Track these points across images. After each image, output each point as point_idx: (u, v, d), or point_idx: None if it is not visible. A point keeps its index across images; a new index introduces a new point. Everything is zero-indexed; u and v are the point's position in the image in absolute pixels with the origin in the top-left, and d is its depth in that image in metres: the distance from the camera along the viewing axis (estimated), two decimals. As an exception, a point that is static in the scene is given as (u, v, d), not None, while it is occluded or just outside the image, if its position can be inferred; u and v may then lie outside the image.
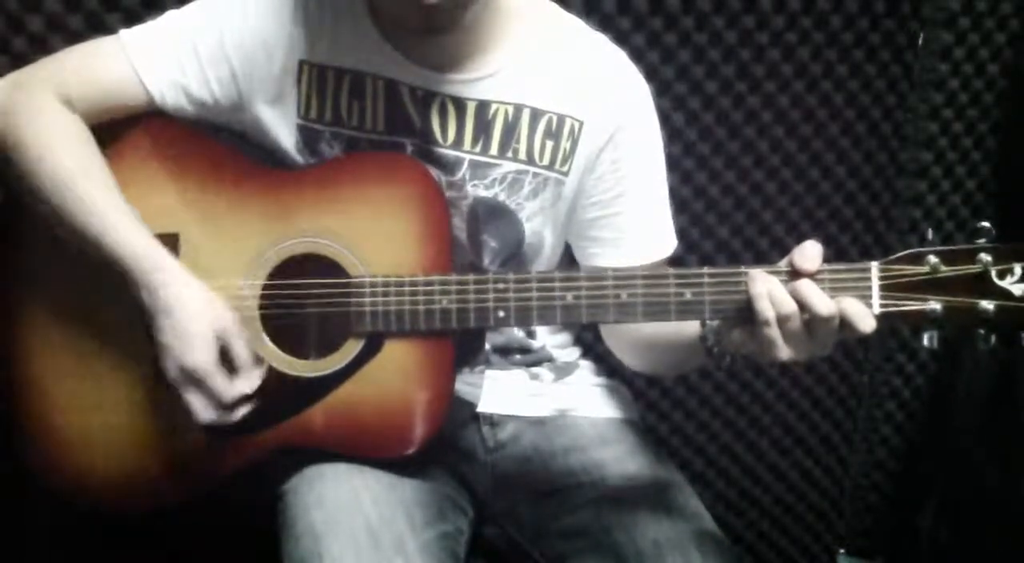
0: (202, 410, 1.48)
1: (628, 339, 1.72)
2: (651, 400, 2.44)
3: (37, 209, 1.54)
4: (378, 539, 1.43)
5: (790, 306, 1.33)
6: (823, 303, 1.32)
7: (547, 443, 1.73)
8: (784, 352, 1.36)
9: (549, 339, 1.81)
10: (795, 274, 1.35)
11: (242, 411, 1.51)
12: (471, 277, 1.47)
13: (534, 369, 1.79)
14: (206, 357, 1.46)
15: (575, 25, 1.68)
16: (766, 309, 1.34)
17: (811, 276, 1.34)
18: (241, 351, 1.50)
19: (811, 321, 1.32)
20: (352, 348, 1.52)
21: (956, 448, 2.50)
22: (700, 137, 2.27)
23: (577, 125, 1.63)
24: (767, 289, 1.34)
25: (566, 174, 1.65)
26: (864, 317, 1.33)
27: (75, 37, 1.84)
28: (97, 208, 1.50)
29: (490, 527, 1.72)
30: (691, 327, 1.51)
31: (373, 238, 1.52)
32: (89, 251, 1.51)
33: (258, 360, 1.52)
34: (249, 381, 1.50)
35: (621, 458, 1.70)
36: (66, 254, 1.58)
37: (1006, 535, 2.32)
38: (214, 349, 1.47)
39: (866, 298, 1.34)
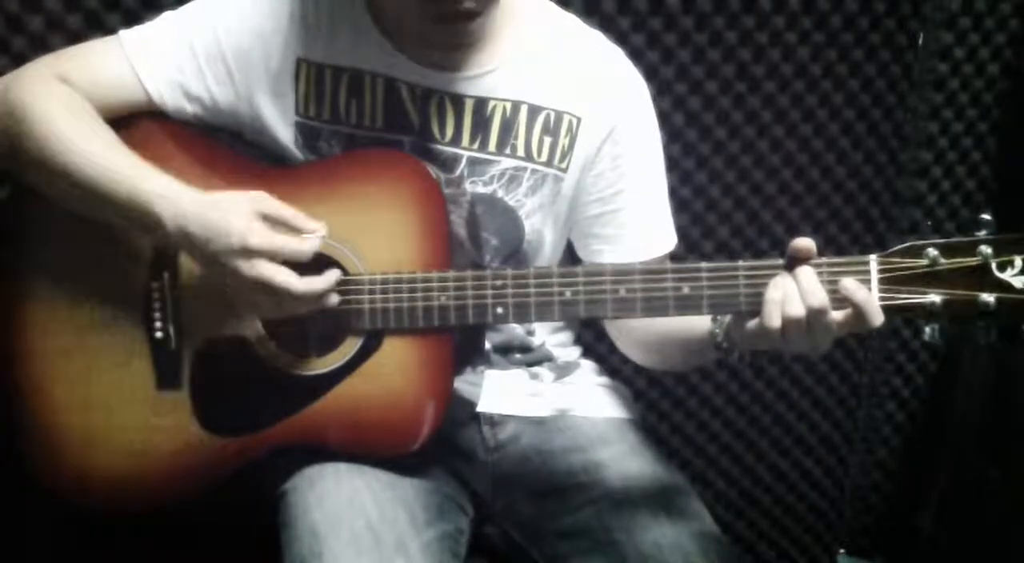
0: (292, 279, 1.43)
1: (638, 338, 1.72)
2: (651, 400, 2.44)
3: (45, 178, 1.54)
4: (379, 538, 1.43)
5: (799, 311, 1.33)
6: (815, 295, 1.32)
7: (547, 443, 1.73)
8: (787, 348, 1.37)
9: (549, 338, 1.81)
10: (793, 263, 1.36)
11: (329, 276, 1.48)
12: (469, 274, 1.47)
13: (534, 368, 1.79)
14: (260, 230, 1.43)
15: (572, 23, 1.69)
16: (773, 315, 1.34)
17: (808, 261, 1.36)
18: (287, 212, 1.47)
19: (808, 314, 1.33)
20: (351, 345, 1.52)
21: (956, 448, 2.50)
22: (700, 137, 2.27)
23: (575, 121, 1.64)
24: (782, 296, 1.34)
25: (565, 170, 1.65)
26: (875, 311, 1.33)
27: (75, 37, 1.85)
28: (103, 158, 1.49)
29: (490, 527, 1.72)
30: (701, 324, 1.52)
31: (371, 235, 1.52)
32: (102, 205, 1.50)
33: (253, 365, 1.53)
34: (316, 229, 1.47)
35: (621, 458, 1.70)
36: (67, 253, 1.58)
37: (1006, 535, 2.32)
38: (262, 224, 1.44)
39: None
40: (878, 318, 1.33)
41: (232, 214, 1.44)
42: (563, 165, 1.65)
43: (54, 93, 1.54)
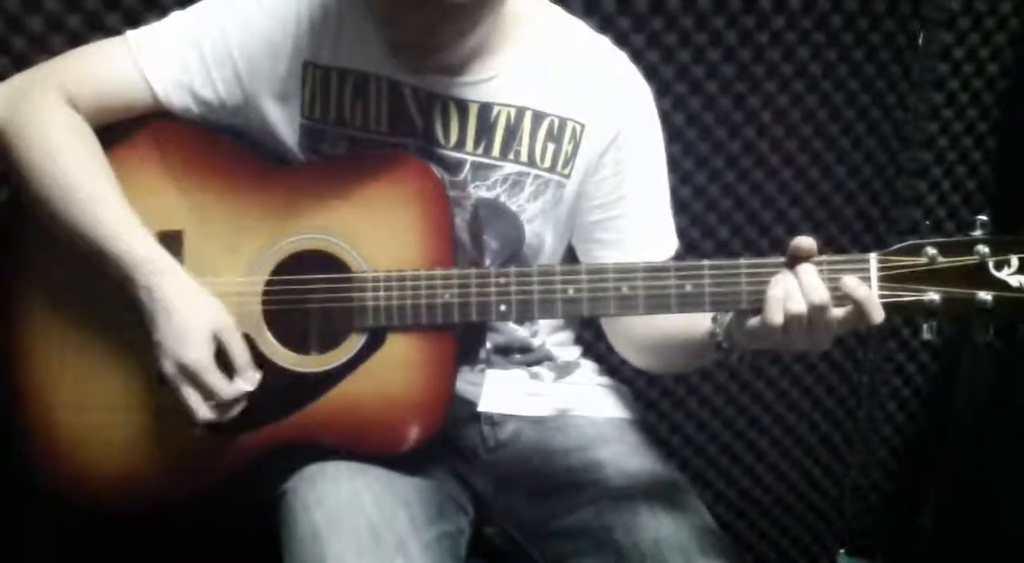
0: (200, 407, 1.49)
1: (637, 340, 1.71)
2: (651, 400, 2.44)
3: (39, 209, 1.55)
4: (380, 538, 1.43)
5: (800, 307, 1.33)
6: (817, 291, 1.32)
7: (547, 442, 1.73)
8: (788, 346, 1.37)
9: (549, 338, 1.81)
10: (794, 262, 1.36)
11: (238, 409, 1.52)
12: (473, 271, 1.48)
13: (534, 368, 1.78)
14: (202, 354, 1.48)
15: (578, 28, 1.69)
16: (775, 312, 1.34)
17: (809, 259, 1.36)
18: (238, 350, 1.51)
19: (809, 311, 1.33)
20: (354, 343, 1.52)
21: (956, 448, 2.51)
22: (700, 137, 2.27)
23: (579, 128, 1.63)
24: (784, 292, 1.34)
25: (567, 176, 1.65)
26: (876, 308, 1.33)
27: (75, 37, 1.86)
28: (98, 209, 1.51)
29: (490, 526, 1.72)
30: (701, 324, 1.52)
31: (376, 235, 1.52)
32: (89, 252, 1.52)
33: (256, 362, 1.53)
34: (247, 380, 1.51)
35: (621, 457, 1.69)
36: (68, 253, 1.59)
37: (1006, 535, 2.32)
38: (210, 347, 1.49)
39: None
40: (879, 315, 1.33)
41: (190, 319, 1.49)
42: (566, 171, 1.65)
43: (60, 124, 1.54)
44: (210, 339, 1.49)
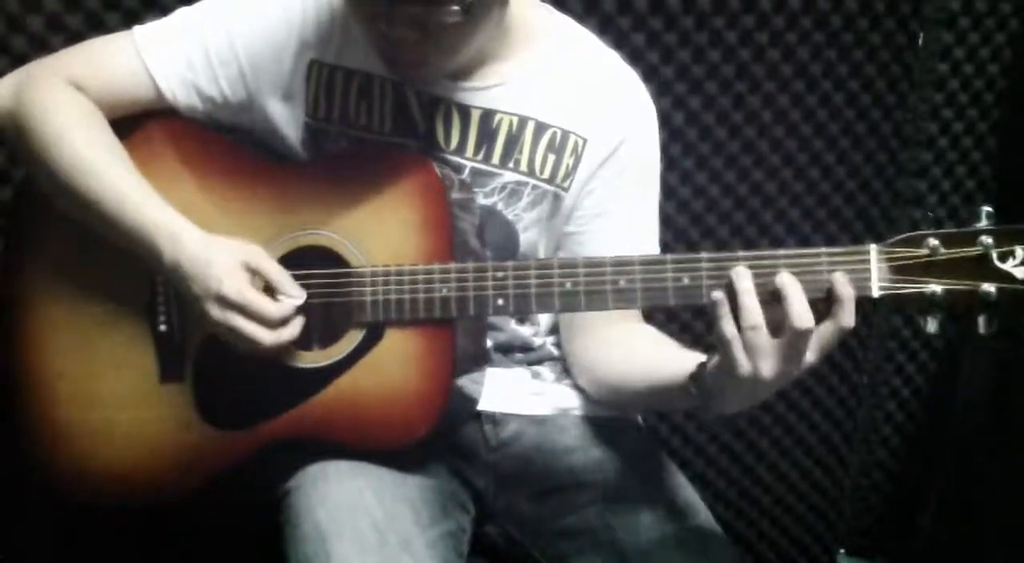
0: (259, 333, 1.47)
1: (612, 381, 1.68)
2: (651, 400, 2.43)
3: (53, 191, 1.55)
4: (384, 537, 1.43)
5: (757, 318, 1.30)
6: (801, 314, 1.28)
7: (549, 442, 1.72)
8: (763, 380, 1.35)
9: (550, 337, 1.81)
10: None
11: (296, 327, 1.50)
12: (470, 265, 1.47)
13: (536, 367, 1.78)
14: (239, 283, 1.46)
15: (587, 41, 1.68)
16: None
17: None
18: (273, 270, 1.50)
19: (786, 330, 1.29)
20: (353, 338, 1.52)
21: (956, 448, 2.51)
22: (700, 137, 2.27)
23: (581, 142, 1.63)
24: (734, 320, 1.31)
25: (566, 190, 1.65)
26: (850, 310, 1.30)
27: (75, 37, 1.86)
28: (113, 182, 1.51)
29: (491, 525, 1.72)
30: (681, 371, 1.45)
31: (375, 230, 1.52)
32: (106, 227, 1.52)
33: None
34: (292, 296, 1.50)
35: (622, 457, 1.69)
36: (71, 249, 1.59)
37: (1006, 535, 2.32)
38: (244, 275, 1.47)
39: (865, 281, 1.32)
40: (849, 320, 1.30)
41: (218, 259, 1.47)
42: (565, 184, 1.64)
43: (70, 104, 1.55)
44: (242, 269, 1.47)
